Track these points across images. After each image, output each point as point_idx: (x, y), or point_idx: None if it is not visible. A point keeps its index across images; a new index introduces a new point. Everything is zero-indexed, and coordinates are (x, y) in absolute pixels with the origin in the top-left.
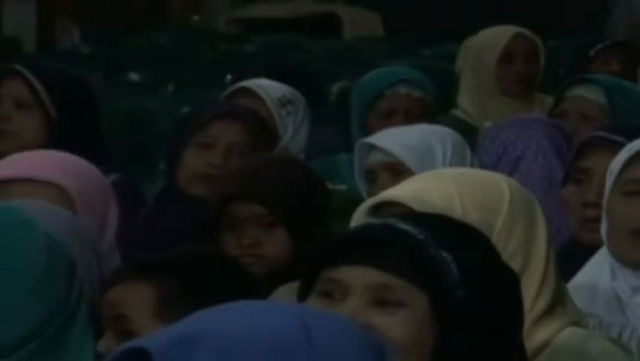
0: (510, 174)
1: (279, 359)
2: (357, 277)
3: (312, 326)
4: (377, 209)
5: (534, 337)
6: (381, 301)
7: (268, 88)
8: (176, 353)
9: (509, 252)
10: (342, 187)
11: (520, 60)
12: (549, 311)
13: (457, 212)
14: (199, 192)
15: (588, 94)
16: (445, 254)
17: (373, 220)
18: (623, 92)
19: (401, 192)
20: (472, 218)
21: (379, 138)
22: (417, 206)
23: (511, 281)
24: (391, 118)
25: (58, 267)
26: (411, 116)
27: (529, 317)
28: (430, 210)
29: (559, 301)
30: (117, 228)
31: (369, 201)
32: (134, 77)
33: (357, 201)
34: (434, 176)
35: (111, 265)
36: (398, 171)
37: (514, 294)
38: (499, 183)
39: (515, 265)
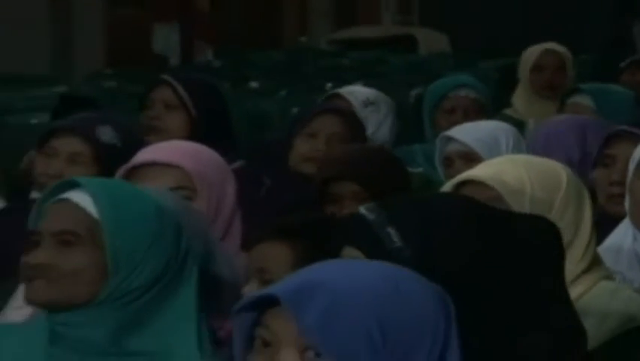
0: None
1: (375, 305)
2: (345, 251)
3: (400, 279)
4: (460, 186)
5: (575, 289)
6: None
7: (355, 92)
8: (299, 298)
9: (563, 225)
10: (419, 170)
11: (547, 71)
12: (587, 270)
13: (526, 191)
14: (306, 171)
15: (581, 100)
16: (390, 229)
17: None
18: (606, 95)
19: (481, 172)
20: (538, 196)
21: (456, 132)
22: (494, 184)
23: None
24: (453, 115)
25: (168, 230)
26: (468, 113)
27: (573, 274)
28: (502, 190)
29: (595, 263)
30: (239, 202)
31: (457, 179)
32: (254, 85)
33: (430, 181)
34: (507, 161)
35: (233, 232)
36: (470, 159)
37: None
38: (558, 170)
39: (567, 236)
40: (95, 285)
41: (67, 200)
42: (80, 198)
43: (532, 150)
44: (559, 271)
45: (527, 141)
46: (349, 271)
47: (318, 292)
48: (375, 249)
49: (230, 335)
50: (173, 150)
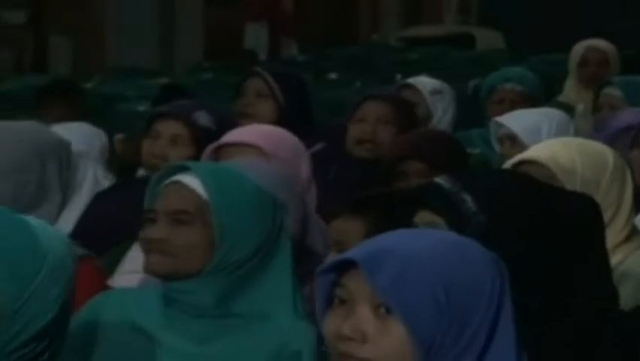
0: None
1: (441, 270)
2: (419, 216)
3: (462, 247)
4: (519, 165)
5: (615, 256)
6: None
7: (424, 82)
8: (373, 262)
9: (608, 202)
10: (476, 151)
11: (591, 64)
12: (627, 240)
13: (577, 171)
14: (357, 153)
15: (612, 92)
16: (465, 195)
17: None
18: (633, 87)
19: (537, 153)
20: (588, 175)
21: (504, 118)
22: (549, 164)
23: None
24: (501, 104)
25: (267, 209)
26: (514, 103)
27: (613, 243)
28: (556, 169)
29: (633, 234)
30: (311, 180)
31: (516, 158)
32: (332, 76)
33: (486, 161)
34: (561, 143)
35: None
36: (515, 141)
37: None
38: (606, 152)
39: (610, 210)
40: (204, 258)
41: (178, 182)
42: (190, 180)
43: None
44: (601, 242)
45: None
46: (417, 239)
47: (390, 258)
48: (452, 213)
49: (313, 295)
50: (253, 133)
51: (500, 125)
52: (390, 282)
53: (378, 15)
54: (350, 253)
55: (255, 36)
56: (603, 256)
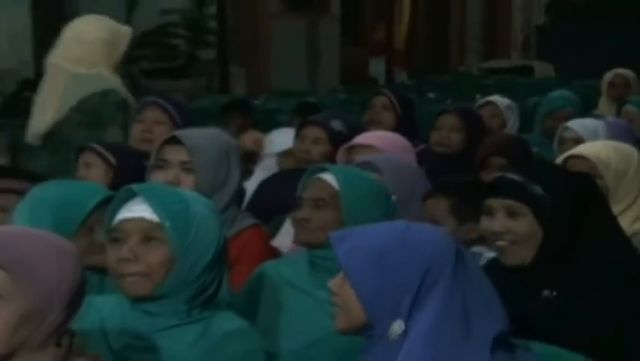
0: None
1: (380, 246)
2: (497, 201)
3: (406, 233)
4: (568, 159)
5: (634, 226)
6: (511, 213)
7: (500, 100)
8: (339, 239)
9: (632, 187)
10: (535, 150)
11: (617, 87)
12: None
13: (611, 163)
14: (436, 152)
15: (629, 109)
16: (534, 185)
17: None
18: None
19: (583, 150)
20: (619, 167)
21: (572, 123)
22: (592, 158)
23: (588, 195)
24: (558, 120)
25: (382, 197)
26: (566, 120)
27: (632, 218)
28: (597, 162)
29: None
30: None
31: (567, 153)
32: (431, 95)
33: (541, 157)
34: (600, 143)
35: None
36: (578, 141)
37: (590, 202)
38: (632, 151)
39: (633, 194)
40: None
41: (319, 178)
42: (328, 177)
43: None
44: (605, 206)
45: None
46: (376, 227)
47: (350, 236)
48: (525, 197)
49: None
50: (374, 136)
51: (568, 128)
52: (345, 252)
53: (464, 52)
54: (332, 233)
55: (376, 67)
56: (606, 213)
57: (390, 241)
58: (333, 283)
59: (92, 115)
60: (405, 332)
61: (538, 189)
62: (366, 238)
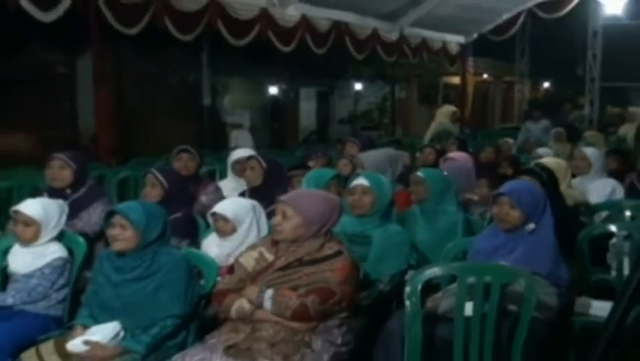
0: None
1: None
2: (525, 178)
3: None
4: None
5: None
6: (511, 205)
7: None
8: (292, 198)
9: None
10: None
11: None
12: None
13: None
14: (483, 159)
15: None
16: (541, 171)
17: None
18: None
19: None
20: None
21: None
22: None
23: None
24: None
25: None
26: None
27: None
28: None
29: None
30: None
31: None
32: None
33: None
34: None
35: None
36: None
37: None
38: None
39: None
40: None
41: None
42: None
43: None
44: (557, 189)
45: None
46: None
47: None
48: (540, 177)
49: None
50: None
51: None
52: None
53: (495, 116)
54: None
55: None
56: (559, 195)
57: (532, 187)
58: (502, 207)
59: None
60: (534, 229)
61: (543, 174)
62: (525, 185)
